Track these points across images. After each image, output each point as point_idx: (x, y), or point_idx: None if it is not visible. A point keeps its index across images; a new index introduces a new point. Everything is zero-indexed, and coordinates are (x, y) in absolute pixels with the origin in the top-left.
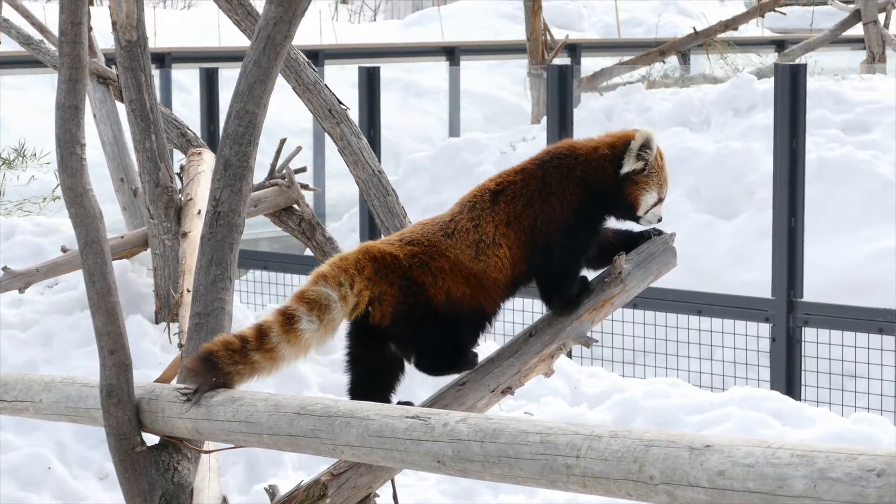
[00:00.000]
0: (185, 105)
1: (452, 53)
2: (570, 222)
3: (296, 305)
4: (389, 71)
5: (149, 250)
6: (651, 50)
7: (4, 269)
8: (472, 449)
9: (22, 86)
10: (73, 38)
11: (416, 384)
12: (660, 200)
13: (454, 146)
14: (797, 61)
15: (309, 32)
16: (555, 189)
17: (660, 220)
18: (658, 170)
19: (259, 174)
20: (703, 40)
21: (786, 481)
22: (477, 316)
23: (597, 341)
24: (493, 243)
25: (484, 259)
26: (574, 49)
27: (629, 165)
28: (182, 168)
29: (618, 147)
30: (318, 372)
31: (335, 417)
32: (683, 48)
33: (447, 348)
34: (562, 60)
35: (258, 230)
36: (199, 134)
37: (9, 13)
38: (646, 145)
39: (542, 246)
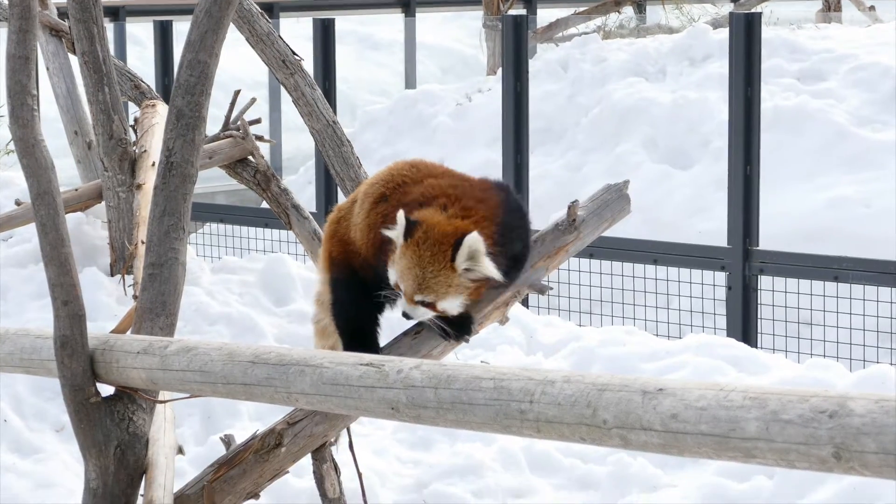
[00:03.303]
0: (141, 59)
1: (408, 5)
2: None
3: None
4: (345, 23)
5: (103, 203)
6: (607, 0)
7: None
8: (425, 395)
9: None
10: None
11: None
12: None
13: (410, 98)
14: (752, 10)
15: None
16: None
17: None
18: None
19: (214, 127)
20: None
21: (738, 423)
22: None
23: (552, 289)
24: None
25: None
26: (529, 0)
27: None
28: (136, 120)
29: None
30: (273, 323)
31: (289, 366)
32: None
33: None
34: (517, 11)
35: (214, 183)
36: (153, 87)
37: None
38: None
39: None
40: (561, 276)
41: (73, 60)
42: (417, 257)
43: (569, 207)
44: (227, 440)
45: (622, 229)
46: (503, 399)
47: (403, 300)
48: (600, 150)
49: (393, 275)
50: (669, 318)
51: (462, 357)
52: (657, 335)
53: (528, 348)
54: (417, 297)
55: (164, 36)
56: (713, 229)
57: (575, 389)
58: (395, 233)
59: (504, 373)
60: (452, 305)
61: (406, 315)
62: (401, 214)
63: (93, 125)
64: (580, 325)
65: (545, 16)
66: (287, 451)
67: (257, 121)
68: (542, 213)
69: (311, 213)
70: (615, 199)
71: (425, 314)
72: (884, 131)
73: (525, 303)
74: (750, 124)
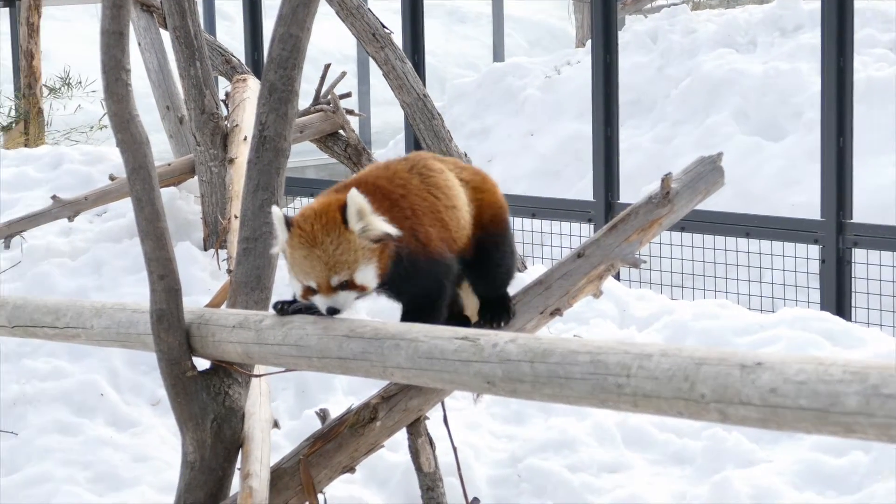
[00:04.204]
0: (229, 34)
1: None
2: None
3: None
4: None
5: (196, 177)
6: None
7: (53, 197)
8: (521, 369)
9: (66, 17)
10: None
11: None
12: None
13: (498, 71)
14: None
15: None
16: None
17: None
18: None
19: (304, 101)
20: None
21: (838, 398)
22: None
23: (645, 262)
24: None
25: None
26: None
27: None
28: (227, 95)
29: None
30: None
31: (384, 339)
32: None
33: None
34: None
35: (304, 157)
36: (243, 61)
37: None
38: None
39: None
40: (653, 250)
41: (165, 35)
42: (310, 241)
43: (662, 180)
44: (323, 414)
45: (714, 202)
46: (600, 373)
47: (320, 297)
48: (690, 122)
49: (296, 281)
50: (762, 291)
51: (554, 331)
52: (750, 309)
53: (622, 322)
54: (334, 280)
55: (253, 10)
56: (805, 202)
57: (672, 363)
58: (279, 237)
59: (600, 346)
60: (368, 276)
61: (332, 311)
62: (276, 210)
63: (185, 100)
64: (673, 299)
65: None
66: (382, 426)
67: (347, 95)
68: (632, 186)
69: None
70: (709, 171)
71: (348, 299)
72: None
73: (618, 276)
74: (842, 95)
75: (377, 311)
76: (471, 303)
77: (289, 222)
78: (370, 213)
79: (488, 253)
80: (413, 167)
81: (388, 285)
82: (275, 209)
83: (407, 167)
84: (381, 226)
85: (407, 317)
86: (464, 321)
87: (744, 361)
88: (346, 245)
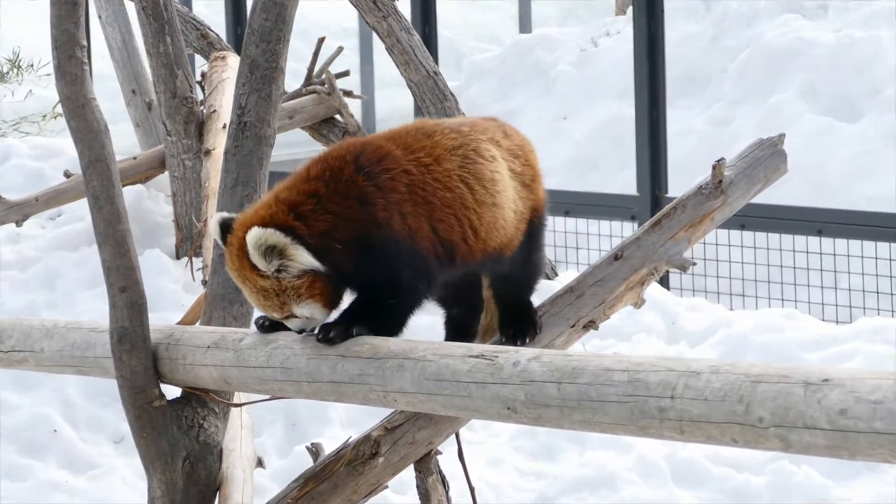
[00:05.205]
0: (209, 6)
1: None
2: None
3: None
4: None
5: (166, 173)
6: None
7: None
8: (547, 392)
9: None
10: None
11: None
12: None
13: (525, 44)
14: None
15: None
16: None
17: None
18: None
19: (294, 82)
20: None
21: None
22: None
23: (695, 264)
24: None
25: None
26: None
27: None
28: (203, 75)
29: None
30: None
31: (385, 359)
32: None
33: None
34: None
35: (296, 150)
36: (223, 37)
37: None
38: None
39: None
40: (707, 251)
41: (130, 7)
42: (235, 272)
43: (713, 167)
44: (315, 450)
45: (778, 194)
46: (639, 394)
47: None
48: (750, 101)
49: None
50: (836, 299)
51: (589, 348)
52: (823, 320)
53: (670, 337)
54: (274, 316)
55: None
56: (885, 194)
57: (724, 382)
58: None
59: (639, 363)
60: (311, 311)
61: (302, 331)
62: (214, 220)
63: (153, 82)
64: (731, 309)
65: None
66: (385, 462)
67: (345, 73)
68: (684, 176)
69: None
70: (768, 155)
71: (308, 323)
72: None
73: (664, 282)
74: None
75: None
76: (491, 314)
77: (223, 232)
78: (290, 246)
79: (521, 253)
80: (461, 147)
81: (351, 281)
82: (213, 220)
83: (454, 144)
84: (303, 260)
85: (360, 308)
86: (472, 338)
87: (808, 378)
88: (265, 285)
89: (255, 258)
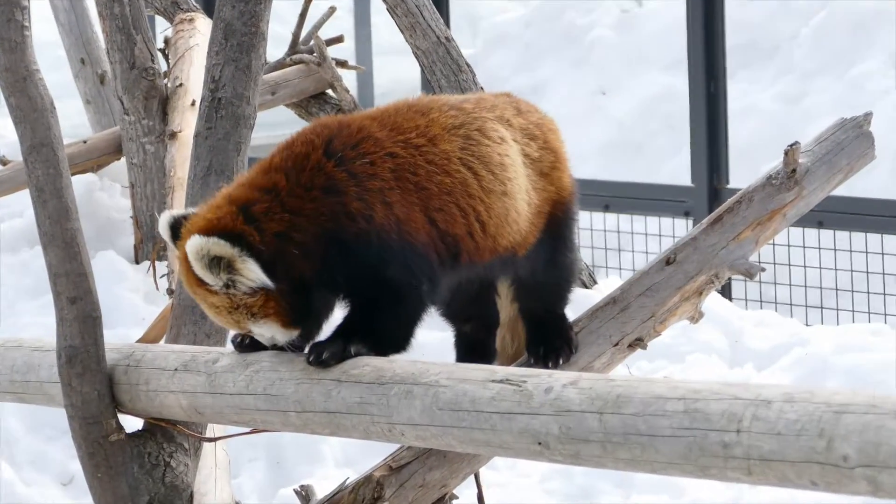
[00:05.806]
0: None
1: None
2: None
3: None
4: None
5: (123, 160)
6: None
7: None
8: (586, 424)
9: None
10: None
11: None
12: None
13: (554, 5)
14: None
15: None
16: None
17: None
18: None
19: (278, 50)
20: None
21: None
22: None
23: (764, 270)
24: None
25: None
26: None
27: None
28: (167, 42)
29: None
30: None
31: (391, 384)
32: None
33: None
34: None
35: (280, 131)
36: None
37: None
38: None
39: None
40: (778, 254)
41: None
42: (186, 282)
43: (785, 153)
44: (305, 493)
45: (865, 185)
46: (698, 427)
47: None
48: (828, 72)
49: None
50: None
51: (635, 371)
52: None
53: (733, 358)
54: (232, 334)
55: None
56: None
57: (801, 412)
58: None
59: (698, 390)
60: (270, 331)
61: (276, 347)
62: (164, 217)
63: (107, 50)
64: (807, 325)
65: None
66: None
67: (339, 39)
68: (748, 164)
69: None
70: (852, 139)
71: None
72: None
73: (726, 292)
74: None
75: None
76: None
77: (174, 231)
78: (237, 259)
79: (544, 253)
80: (463, 126)
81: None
82: (162, 219)
83: (455, 123)
84: (252, 276)
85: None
86: (491, 359)
87: None
88: (215, 301)
89: (200, 271)
